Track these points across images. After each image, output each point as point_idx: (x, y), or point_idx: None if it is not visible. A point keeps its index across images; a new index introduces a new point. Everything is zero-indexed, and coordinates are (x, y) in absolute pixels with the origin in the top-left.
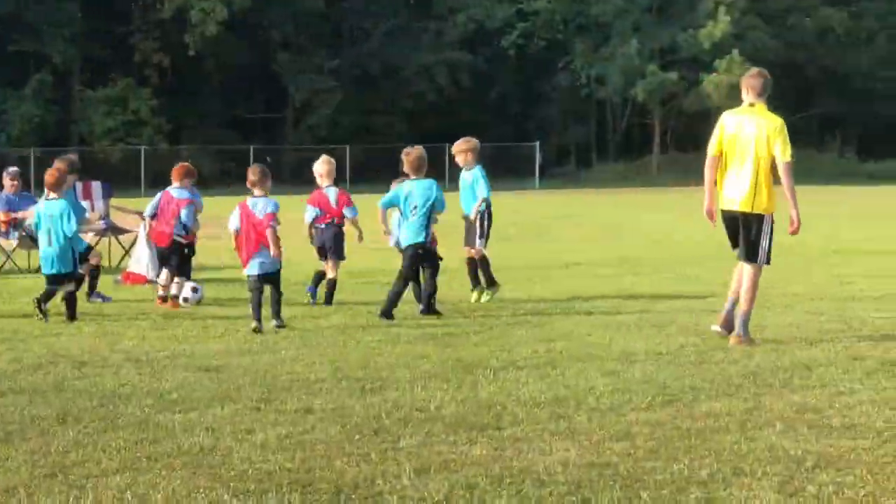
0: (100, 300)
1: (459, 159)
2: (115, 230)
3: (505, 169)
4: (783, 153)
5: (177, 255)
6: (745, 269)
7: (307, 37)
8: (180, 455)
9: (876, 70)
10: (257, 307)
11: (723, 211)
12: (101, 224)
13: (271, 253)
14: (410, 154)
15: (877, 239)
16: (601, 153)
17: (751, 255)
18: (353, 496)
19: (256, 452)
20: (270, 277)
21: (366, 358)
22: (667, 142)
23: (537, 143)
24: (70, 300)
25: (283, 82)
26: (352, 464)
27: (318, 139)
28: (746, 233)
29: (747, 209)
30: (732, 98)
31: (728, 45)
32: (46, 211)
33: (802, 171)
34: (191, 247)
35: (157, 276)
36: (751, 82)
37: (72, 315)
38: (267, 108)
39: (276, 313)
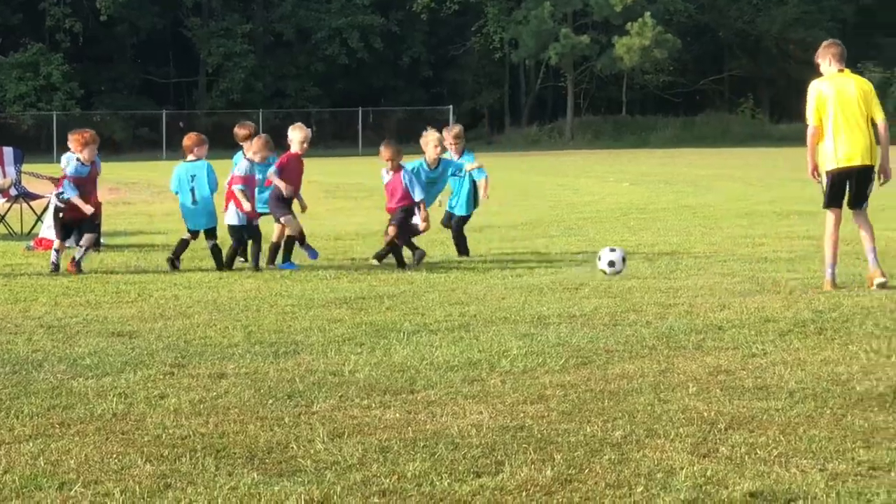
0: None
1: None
2: (27, 196)
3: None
4: (881, 113)
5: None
6: (861, 217)
7: (219, 1)
8: (93, 421)
9: (788, 32)
10: (242, 251)
11: (839, 170)
12: (13, 190)
13: (244, 209)
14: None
15: (786, 200)
16: (514, 117)
17: (861, 201)
18: (267, 460)
19: (170, 417)
20: (236, 230)
21: (279, 322)
22: (580, 105)
23: (450, 107)
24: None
25: (195, 47)
26: (265, 428)
27: (232, 104)
28: (861, 184)
29: (868, 161)
30: (644, 60)
31: (640, 8)
32: (188, 172)
33: (715, 134)
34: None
35: (76, 242)
36: (833, 50)
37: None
38: (179, 72)
39: (255, 259)
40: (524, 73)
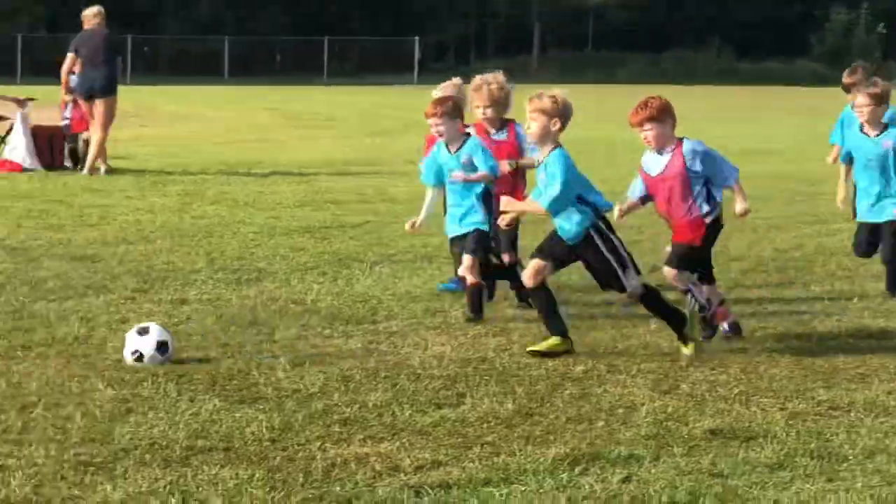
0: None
1: None
2: None
3: (383, 63)
4: None
5: None
6: None
7: None
8: (55, 344)
9: None
10: None
11: None
12: None
13: None
14: None
15: None
16: (480, 49)
17: None
18: (228, 387)
19: None
20: None
21: (242, 249)
22: (546, 40)
23: (416, 38)
24: None
25: None
26: (227, 355)
27: (198, 29)
28: None
29: None
30: None
31: None
32: None
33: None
34: None
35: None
36: None
37: None
38: None
39: None
40: (491, 5)
